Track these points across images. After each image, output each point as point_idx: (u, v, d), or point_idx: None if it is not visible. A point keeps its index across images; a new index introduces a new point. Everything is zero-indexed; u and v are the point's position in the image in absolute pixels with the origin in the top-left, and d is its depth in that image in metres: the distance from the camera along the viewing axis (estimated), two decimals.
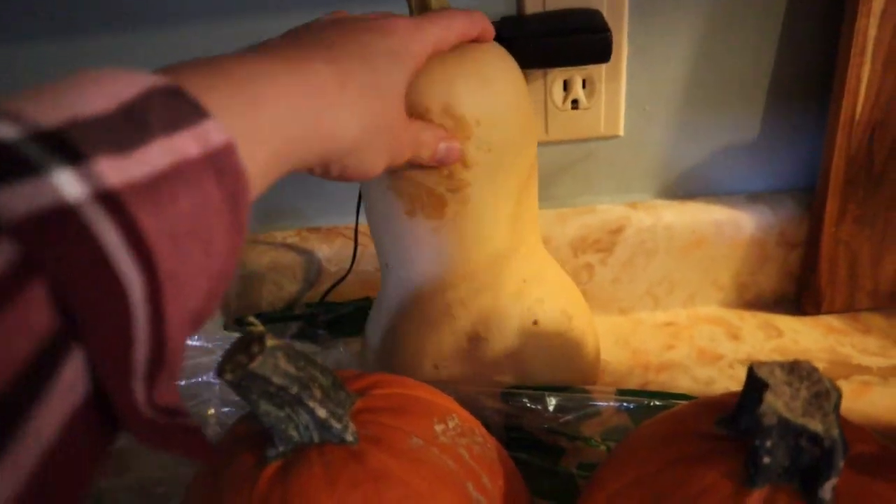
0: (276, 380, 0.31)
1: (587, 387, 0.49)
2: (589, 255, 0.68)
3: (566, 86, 0.62)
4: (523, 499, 0.38)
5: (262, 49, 0.33)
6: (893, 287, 0.69)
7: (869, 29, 0.58)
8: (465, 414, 0.39)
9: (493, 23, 0.59)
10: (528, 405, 0.46)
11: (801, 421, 0.28)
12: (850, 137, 0.62)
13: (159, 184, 0.24)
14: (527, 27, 0.57)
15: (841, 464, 0.28)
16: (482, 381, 0.48)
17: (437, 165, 0.44)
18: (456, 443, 0.36)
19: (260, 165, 0.29)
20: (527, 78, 0.62)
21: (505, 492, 0.36)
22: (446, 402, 0.39)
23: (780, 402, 0.29)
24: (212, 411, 0.51)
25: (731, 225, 0.67)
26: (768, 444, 0.29)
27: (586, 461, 0.48)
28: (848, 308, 0.70)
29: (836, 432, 0.28)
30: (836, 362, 0.65)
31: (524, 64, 0.58)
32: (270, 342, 0.31)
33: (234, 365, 0.31)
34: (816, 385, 0.30)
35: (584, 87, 0.62)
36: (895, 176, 0.63)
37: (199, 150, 0.25)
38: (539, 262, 0.53)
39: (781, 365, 0.30)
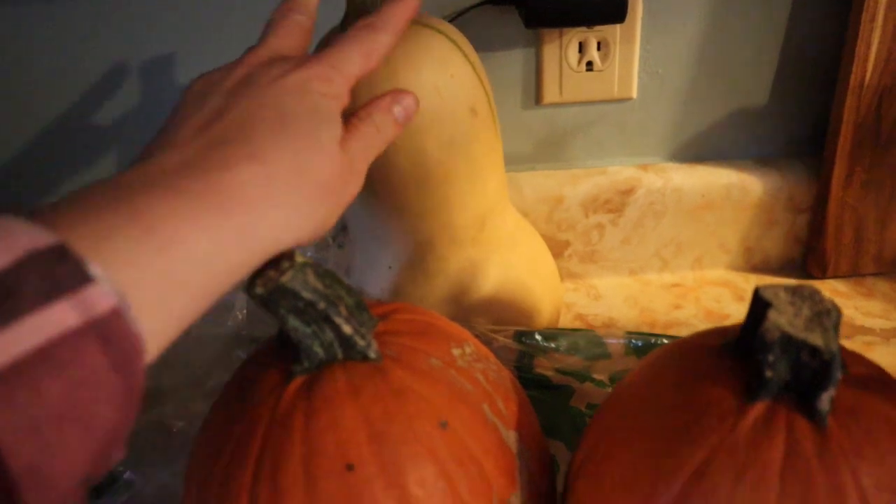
0: (305, 294, 0.33)
1: (599, 329, 0.50)
2: (600, 216, 0.69)
3: (581, 48, 0.64)
4: (535, 427, 0.40)
5: (175, 158, 0.30)
6: None
7: None
8: (480, 343, 0.41)
9: None
10: (541, 344, 0.48)
11: (802, 336, 0.30)
12: (858, 102, 0.63)
13: (21, 372, 0.22)
14: None
15: (838, 375, 0.30)
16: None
17: (404, 126, 0.41)
18: (472, 367, 0.37)
19: (175, 312, 0.27)
20: (543, 38, 0.63)
21: (518, 417, 0.38)
22: (462, 331, 0.40)
23: (783, 319, 0.31)
24: None
25: (740, 189, 0.68)
26: (771, 358, 0.31)
27: (595, 402, 0.49)
28: (853, 272, 0.71)
29: (835, 346, 0.30)
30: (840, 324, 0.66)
31: (541, 23, 0.60)
32: (300, 258, 0.33)
33: (265, 280, 0.33)
34: (818, 305, 0.31)
35: (598, 49, 0.64)
36: None
37: (79, 318, 0.23)
38: (513, 224, 0.56)
39: (785, 287, 0.32)
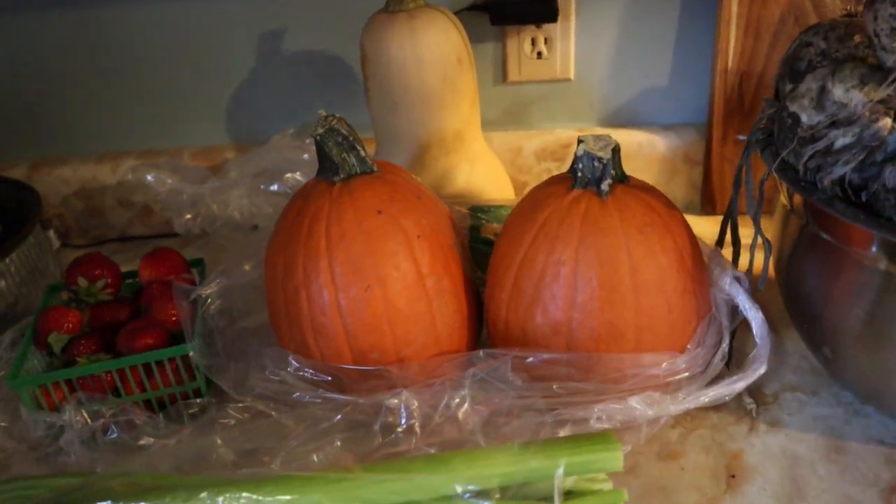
0: (343, 131, 0.61)
1: None
2: (548, 163, 0.97)
3: (533, 42, 0.93)
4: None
5: None
6: (769, 195, 0.96)
7: (732, 6, 0.87)
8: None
9: None
10: (484, 211, 0.76)
11: (595, 152, 0.58)
12: (725, 82, 0.91)
13: None
14: None
15: (612, 172, 0.57)
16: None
17: None
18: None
19: None
20: (506, 34, 0.92)
21: (451, 217, 0.66)
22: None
23: (588, 146, 0.58)
24: None
25: (649, 146, 0.96)
26: (581, 165, 0.58)
27: None
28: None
29: (609, 156, 0.57)
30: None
31: (502, 22, 0.89)
32: (337, 115, 0.62)
33: (321, 126, 0.61)
34: (608, 142, 0.59)
35: (545, 43, 0.93)
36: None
37: None
38: (480, 147, 0.85)
39: (594, 135, 0.59)
